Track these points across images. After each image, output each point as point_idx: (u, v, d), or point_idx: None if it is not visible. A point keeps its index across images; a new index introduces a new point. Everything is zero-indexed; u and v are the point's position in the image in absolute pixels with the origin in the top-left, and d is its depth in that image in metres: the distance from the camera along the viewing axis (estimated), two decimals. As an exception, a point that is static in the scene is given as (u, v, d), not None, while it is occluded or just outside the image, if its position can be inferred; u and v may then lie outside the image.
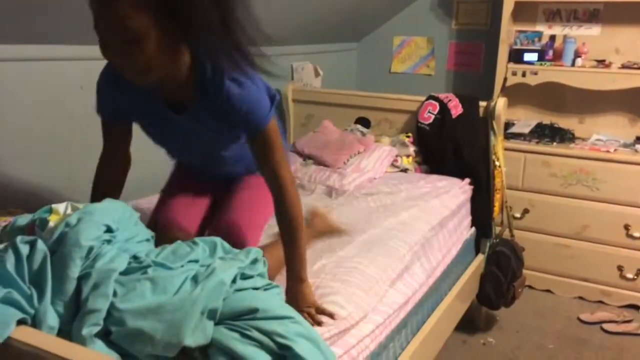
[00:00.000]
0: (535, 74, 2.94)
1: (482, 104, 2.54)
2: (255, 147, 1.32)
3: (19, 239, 1.13)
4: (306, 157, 2.61)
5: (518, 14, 3.07)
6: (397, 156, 2.61)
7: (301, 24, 2.84)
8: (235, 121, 1.29)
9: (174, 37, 1.14)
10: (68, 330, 1.05)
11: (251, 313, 1.08)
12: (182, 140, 1.43)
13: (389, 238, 1.82)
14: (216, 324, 1.07)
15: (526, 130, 3.04)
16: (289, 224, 1.33)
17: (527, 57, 2.99)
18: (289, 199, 1.32)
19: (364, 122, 2.86)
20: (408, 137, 2.68)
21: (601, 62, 2.93)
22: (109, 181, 1.49)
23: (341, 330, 1.35)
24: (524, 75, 2.97)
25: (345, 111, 2.90)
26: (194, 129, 1.35)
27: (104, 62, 1.28)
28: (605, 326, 2.65)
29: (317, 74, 3.31)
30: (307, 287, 1.37)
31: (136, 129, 1.47)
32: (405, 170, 2.59)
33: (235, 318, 1.08)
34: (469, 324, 2.58)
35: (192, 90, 1.28)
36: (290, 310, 1.14)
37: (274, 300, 1.18)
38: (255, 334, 1.05)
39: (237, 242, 1.41)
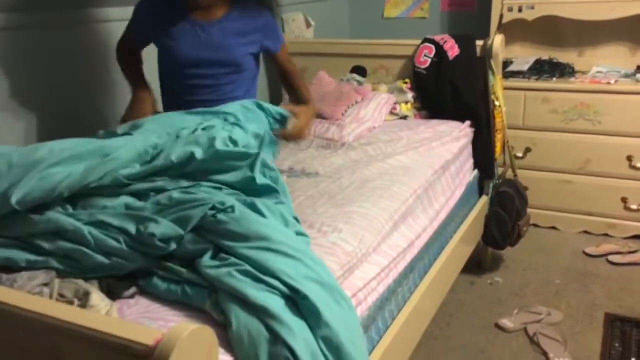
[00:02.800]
0: (532, 8, 2.87)
1: (479, 43, 2.49)
2: (278, 57, 2.00)
3: None
4: (303, 110, 2.58)
5: (511, -53, 2.97)
6: (395, 103, 2.58)
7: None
8: (261, 28, 1.87)
9: None
10: None
11: (259, 240, 1.11)
12: (199, 54, 1.82)
13: (391, 183, 1.82)
14: (221, 249, 1.13)
15: (525, 67, 2.99)
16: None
17: (523, -9, 2.91)
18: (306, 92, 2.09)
19: (360, 70, 2.81)
20: (405, 83, 2.64)
21: (599, -9, 2.85)
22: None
23: (345, 269, 1.36)
24: (520, 10, 2.90)
25: (339, 61, 2.84)
26: (217, 42, 1.82)
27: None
28: (611, 258, 2.68)
29: (308, 25, 3.24)
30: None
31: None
32: (404, 117, 2.57)
33: (242, 239, 1.11)
34: (476, 265, 2.61)
35: (228, 4, 1.83)
36: (300, 252, 1.15)
37: (285, 232, 1.19)
38: (267, 279, 1.06)
39: None
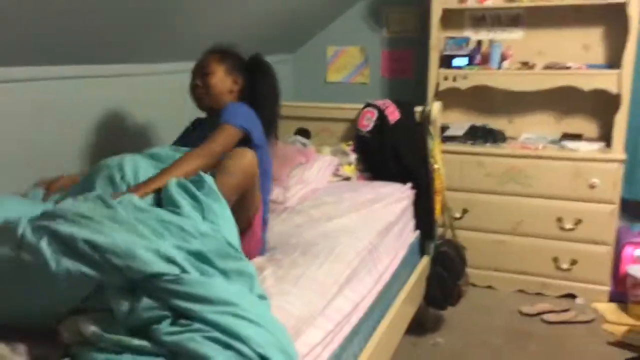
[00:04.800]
0: (465, 78, 3.05)
1: (418, 109, 2.60)
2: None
3: None
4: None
5: (446, 21, 3.17)
6: (338, 165, 2.63)
7: (234, 38, 2.81)
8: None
9: (230, 84, 1.90)
10: None
11: (225, 305, 1.10)
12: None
13: (335, 245, 1.82)
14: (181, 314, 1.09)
15: (460, 132, 3.13)
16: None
17: (456, 62, 3.09)
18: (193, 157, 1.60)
19: (304, 133, 2.87)
20: (349, 145, 2.71)
21: (525, 64, 3.07)
22: None
23: (292, 333, 1.33)
24: (454, 79, 3.07)
25: (284, 123, 2.87)
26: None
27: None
28: (546, 317, 2.77)
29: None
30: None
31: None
32: (347, 179, 2.61)
33: (207, 303, 1.09)
34: (418, 326, 2.62)
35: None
36: (265, 318, 1.13)
37: (249, 297, 1.18)
38: (238, 345, 1.04)
39: None
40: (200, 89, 1.88)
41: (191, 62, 1.95)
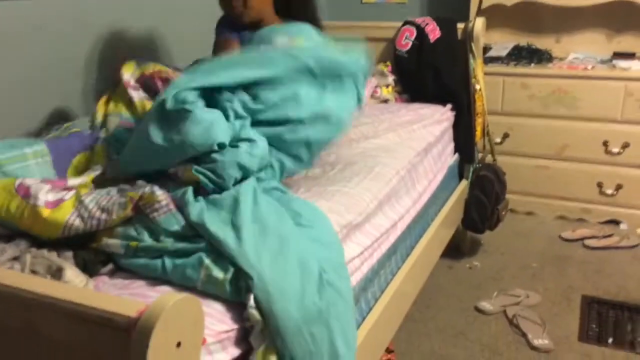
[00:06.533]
0: (512, -7, 2.87)
1: (460, 26, 2.47)
2: None
3: None
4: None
5: None
6: (376, 86, 2.55)
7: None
8: None
9: None
10: None
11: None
12: None
13: (374, 164, 1.79)
14: None
15: (503, 53, 2.99)
16: None
17: (503, -24, 2.90)
18: None
19: (340, 53, 2.77)
20: (387, 66, 2.61)
21: (577, -22, 2.87)
22: None
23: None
24: (499, -5, 2.89)
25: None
26: None
27: None
28: (587, 242, 2.71)
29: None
30: None
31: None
32: (385, 101, 2.54)
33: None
34: (455, 249, 2.61)
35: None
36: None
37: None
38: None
39: None
40: (237, 6, 1.75)
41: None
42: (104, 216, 1.10)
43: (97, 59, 2.11)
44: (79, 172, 1.42)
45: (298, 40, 1.49)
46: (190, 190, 1.19)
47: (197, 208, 1.12)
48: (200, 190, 1.21)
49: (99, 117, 1.61)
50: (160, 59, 2.31)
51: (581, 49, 3.05)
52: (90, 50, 2.08)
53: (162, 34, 2.39)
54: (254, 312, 0.98)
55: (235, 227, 1.08)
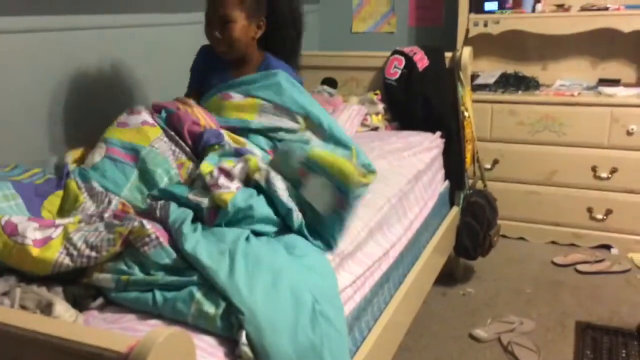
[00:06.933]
0: (497, 22, 2.93)
1: (448, 55, 2.52)
2: None
3: None
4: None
5: (476, -36, 3.03)
6: (366, 115, 2.57)
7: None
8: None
9: (254, 31, 1.74)
10: None
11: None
12: None
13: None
14: None
15: (491, 80, 3.04)
16: None
17: (488, 6, 2.97)
18: None
19: (331, 82, 2.81)
20: (376, 94, 2.64)
21: (560, 7, 2.94)
22: None
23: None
24: (485, 25, 2.96)
25: (310, 73, 2.83)
26: None
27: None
28: (579, 267, 2.72)
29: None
30: None
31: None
32: (376, 129, 2.56)
33: None
34: (448, 276, 2.61)
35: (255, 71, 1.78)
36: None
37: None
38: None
39: None
40: (221, 43, 1.70)
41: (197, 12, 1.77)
42: (93, 254, 1.09)
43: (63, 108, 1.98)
44: (54, 214, 1.35)
45: None
46: (189, 219, 1.19)
47: (193, 241, 1.12)
48: (204, 219, 1.23)
49: (70, 160, 1.53)
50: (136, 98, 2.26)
51: (567, 76, 3.11)
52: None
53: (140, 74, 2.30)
54: (246, 350, 0.97)
55: (230, 259, 1.08)
